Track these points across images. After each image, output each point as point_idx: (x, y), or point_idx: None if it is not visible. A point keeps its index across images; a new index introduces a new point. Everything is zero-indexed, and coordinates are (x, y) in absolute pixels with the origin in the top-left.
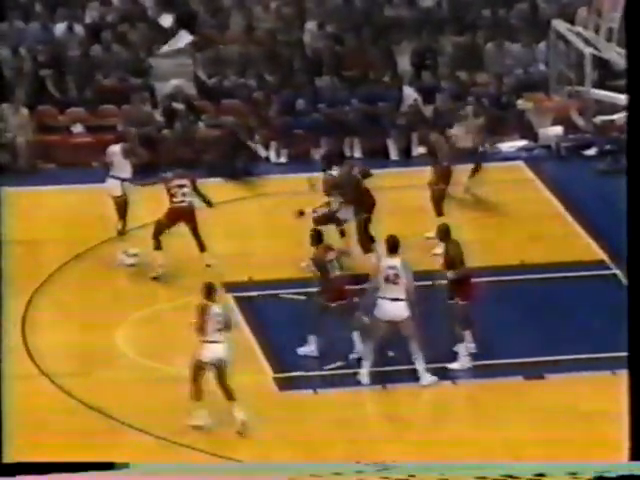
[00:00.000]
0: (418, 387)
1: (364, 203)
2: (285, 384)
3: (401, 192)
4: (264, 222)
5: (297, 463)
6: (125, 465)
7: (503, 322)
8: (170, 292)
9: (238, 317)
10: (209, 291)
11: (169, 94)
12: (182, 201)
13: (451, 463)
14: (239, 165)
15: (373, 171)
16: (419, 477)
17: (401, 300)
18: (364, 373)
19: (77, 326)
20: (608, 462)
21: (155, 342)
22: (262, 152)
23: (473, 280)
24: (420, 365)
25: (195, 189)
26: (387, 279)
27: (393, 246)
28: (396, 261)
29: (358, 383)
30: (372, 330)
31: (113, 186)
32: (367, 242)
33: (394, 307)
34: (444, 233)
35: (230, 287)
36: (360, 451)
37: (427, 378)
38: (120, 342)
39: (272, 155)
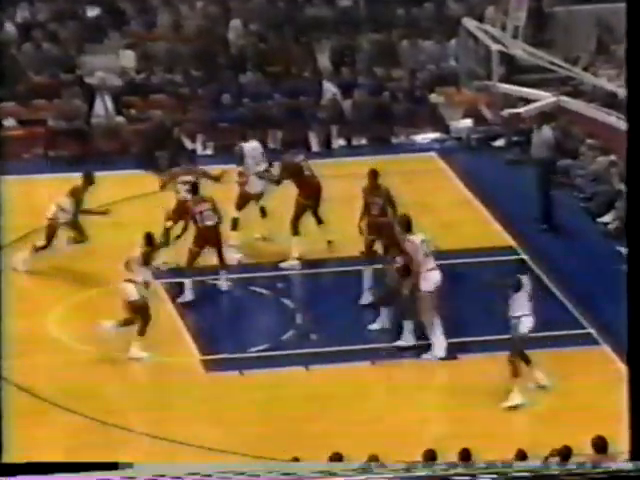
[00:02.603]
0: (340, 368)
1: (307, 188)
2: (212, 366)
3: (322, 182)
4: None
5: (299, 463)
6: (129, 465)
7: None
8: (103, 278)
9: (167, 302)
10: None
11: (94, 85)
12: (184, 197)
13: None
14: (165, 157)
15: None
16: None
17: (436, 269)
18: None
19: (10, 311)
20: (608, 462)
21: (88, 326)
22: (189, 145)
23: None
24: (437, 339)
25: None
26: (425, 253)
27: (408, 224)
28: (421, 236)
29: (283, 364)
30: (423, 304)
31: None
32: (298, 224)
33: (436, 275)
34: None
35: (159, 272)
36: (284, 429)
37: (440, 352)
38: (53, 327)
39: (198, 147)
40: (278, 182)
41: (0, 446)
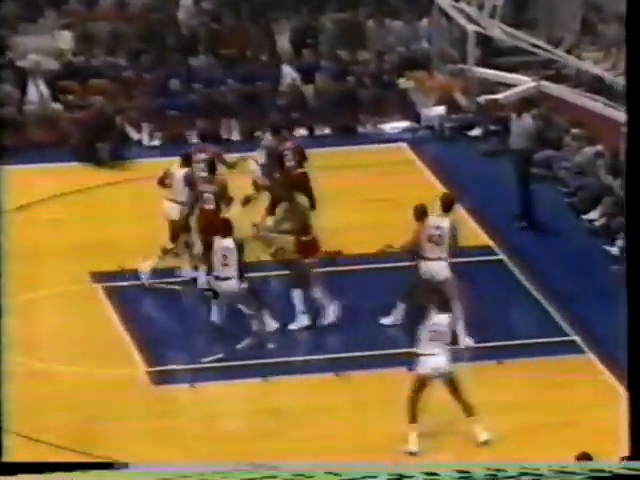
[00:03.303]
0: (300, 379)
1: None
2: (159, 378)
3: None
4: (136, 208)
5: (298, 464)
6: (124, 465)
7: (389, 309)
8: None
9: (108, 308)
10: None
11: (27, 69)
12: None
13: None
14: (107, 148)
15: (253, 154)
16: None
17: (442, 260)
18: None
19: None
20: (608, 462)
21: (24, 335)
22: (134, 135)
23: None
24: (460, 327)
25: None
26: (430, 239)
27: (448, 204)
28: (444, 222)
29: (238, 376)
30: (416, 290)
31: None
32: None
33: (435, 266)
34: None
35: (99, 277)
36: (239, 446)
37: (466, 340)
38: None
39: (144, 138)
40: None
41: (0, 446)
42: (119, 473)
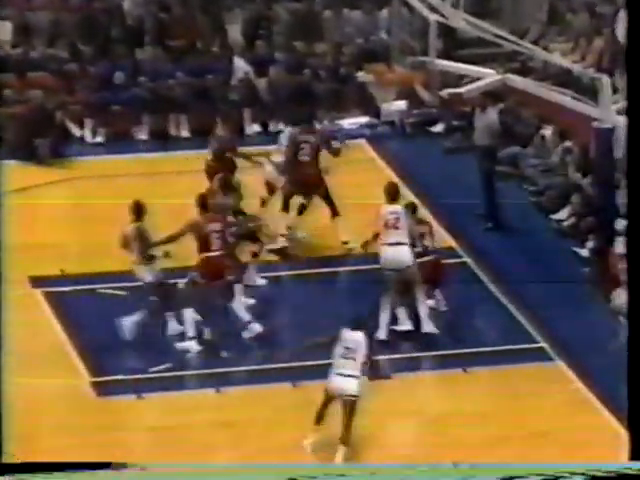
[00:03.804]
0: (256, 390)
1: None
2: (104, 389)
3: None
4: (77, 209)
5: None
6: (123, 465)
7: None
8: None
9: (48, 315)
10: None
11: None
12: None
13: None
14: (47, 145)
15: (202, 152)
16: None
17: (403, 244)
18: (382, 329)
19: None
20: (608, 462)
21: None
22: (75, 131)
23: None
24: (423, 312)
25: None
26: (387, 224)
27: (393, 193)
28: (397, 207)
29: (189, 386)
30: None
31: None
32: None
33: (397, 251)
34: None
35: (39, 281)
36: (188, 460)
37: (430, 326)
38: None
39: (87, 134)
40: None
41: (0, 446)
42: (116, 473)
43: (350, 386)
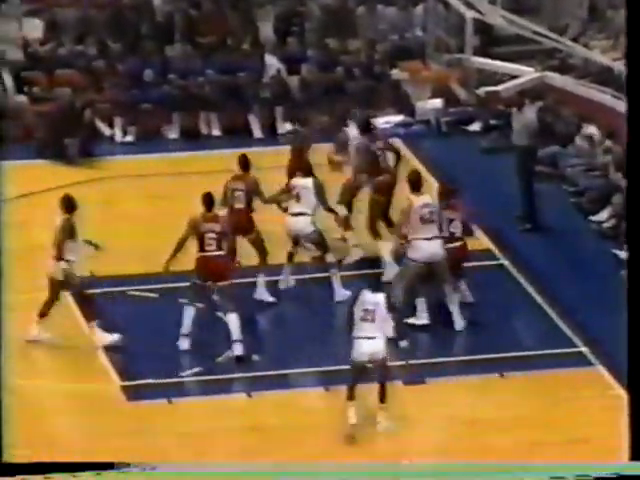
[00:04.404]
0: (287, 394)
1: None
2: (134, 393)
3: (266, 174)
4: (107, 209)
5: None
6: (126, 465)
7: None
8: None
9: (79, 317)
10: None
11: None
12: None
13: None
14: (76, 145)
15: (234, 151)
16: None
17: (438, 238)
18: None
19: None
20: (608, 462)
21: None
22: (105, 130)
23: None
24: (455, 308)
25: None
26: (422, 219)
27: (417, 182)
28: (428, 198)
29: (220, 391)
30: (405, 272)
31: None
32: (377, 226)
33: (432, 246)
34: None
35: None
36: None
37: (461, 323)
38: None
39: (117, 133)
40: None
41: (0, 446)
42: (119, 473)
43: (376, 348)
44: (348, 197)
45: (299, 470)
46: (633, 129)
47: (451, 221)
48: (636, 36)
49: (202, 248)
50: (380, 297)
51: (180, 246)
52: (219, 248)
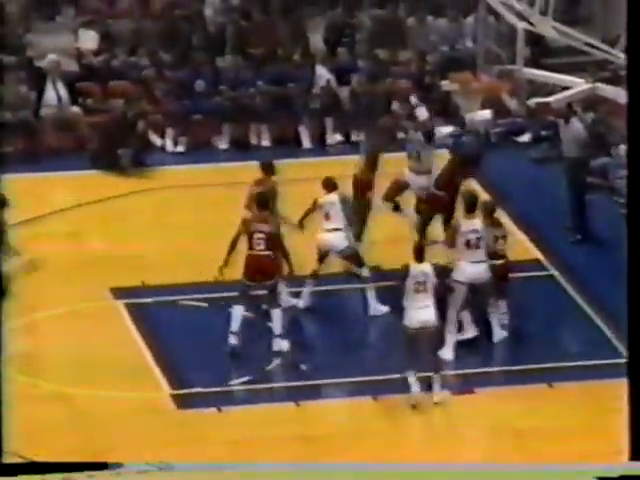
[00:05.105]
0: (336, 404)
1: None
2: (184, 402)
3: (315, 185)
4: (158, 219)
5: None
6: (119, 465)
7: None
8: (66, 295)
9: (130, 326)
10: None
11: (45, 70)
12: None
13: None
14: (129, 155)
15: (284, 161)
16: None
17: (484, 262)
18: (449, 344)
19: None
20: (608, 462)
21: (32, 354)
22: (157, 140)
23: None
24: (494, 320)
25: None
26: (468, 244)
27: (471, 205)
28: (478, 224)
29: (268, 399)
30: (454, 296)
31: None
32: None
33: (477, 270)
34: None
35: (120, 293)
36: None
37: (499, 335)
38: None
39: (168, 144)
40: None
41: (0, 446)
42: (118, 473)
43: (430, 315)
44: (393, 194)
45: (308, 470)
46: (633, 129)
47: (497, 239)
48: (636, 36)
49: (251, 247)
50: (428, 267)
51: (234, 244)
52: (267, 248)
